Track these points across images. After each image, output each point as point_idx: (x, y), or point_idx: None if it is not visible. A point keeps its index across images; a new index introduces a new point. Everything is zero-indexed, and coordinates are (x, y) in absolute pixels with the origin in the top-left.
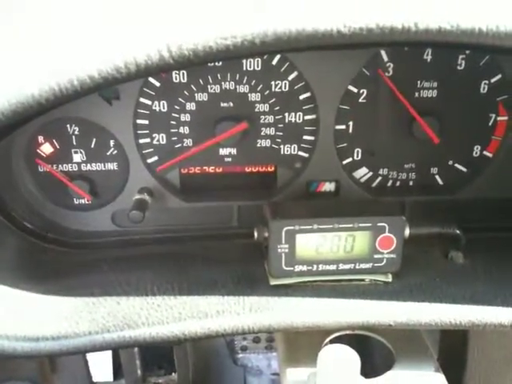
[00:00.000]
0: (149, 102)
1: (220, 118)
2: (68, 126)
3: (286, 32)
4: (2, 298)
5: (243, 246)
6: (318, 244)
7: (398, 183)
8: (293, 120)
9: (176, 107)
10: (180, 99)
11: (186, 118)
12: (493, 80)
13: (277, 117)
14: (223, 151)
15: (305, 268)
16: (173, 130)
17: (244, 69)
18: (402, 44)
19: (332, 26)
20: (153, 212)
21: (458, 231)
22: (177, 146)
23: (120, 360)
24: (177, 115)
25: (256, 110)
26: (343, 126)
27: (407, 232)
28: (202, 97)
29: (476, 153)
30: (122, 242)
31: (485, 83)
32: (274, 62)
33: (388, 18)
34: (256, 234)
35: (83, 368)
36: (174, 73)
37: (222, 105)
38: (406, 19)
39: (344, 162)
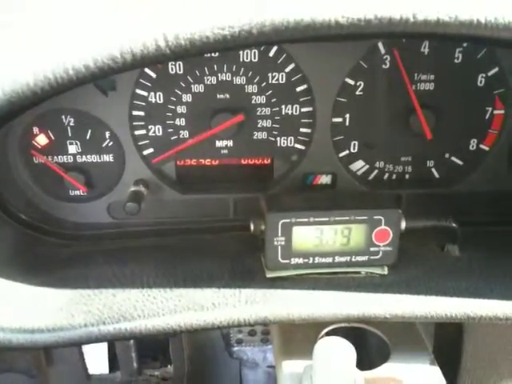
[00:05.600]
0: (145, 94)
1: (216, 110)
2: (63, 117)
3: (283, 22)
4: None
5: (239, 238)
6: (315, 236)
7: (394, 176)
8: (289, 112)
9: (172, 99)
10: (176, 91)
11: (182, 109)
12: (490, 73)
13: (273, 109)
14: (219, 143)
15: (301, 260)
16: (169, 122)
17: (241, 60)
18: (400, 35)
19: (330, 16)
20: (149, 204)
21: (454, 224)
22: (173, 138)
23: (116, 352)
24: (173, 107)
25: (252, 101)
26: (340, 119)
27: (403, 225)
28: (198, 88)
29: (472, 146)
30: (117, 234)
31: (482, 76)
32: (271, 53)
33: (386, 8)
34: (252, 227)
35: (79, 360)
36: (170, 64)
37: (218, 96)
38: (404, 10)
39: (340, 155)
